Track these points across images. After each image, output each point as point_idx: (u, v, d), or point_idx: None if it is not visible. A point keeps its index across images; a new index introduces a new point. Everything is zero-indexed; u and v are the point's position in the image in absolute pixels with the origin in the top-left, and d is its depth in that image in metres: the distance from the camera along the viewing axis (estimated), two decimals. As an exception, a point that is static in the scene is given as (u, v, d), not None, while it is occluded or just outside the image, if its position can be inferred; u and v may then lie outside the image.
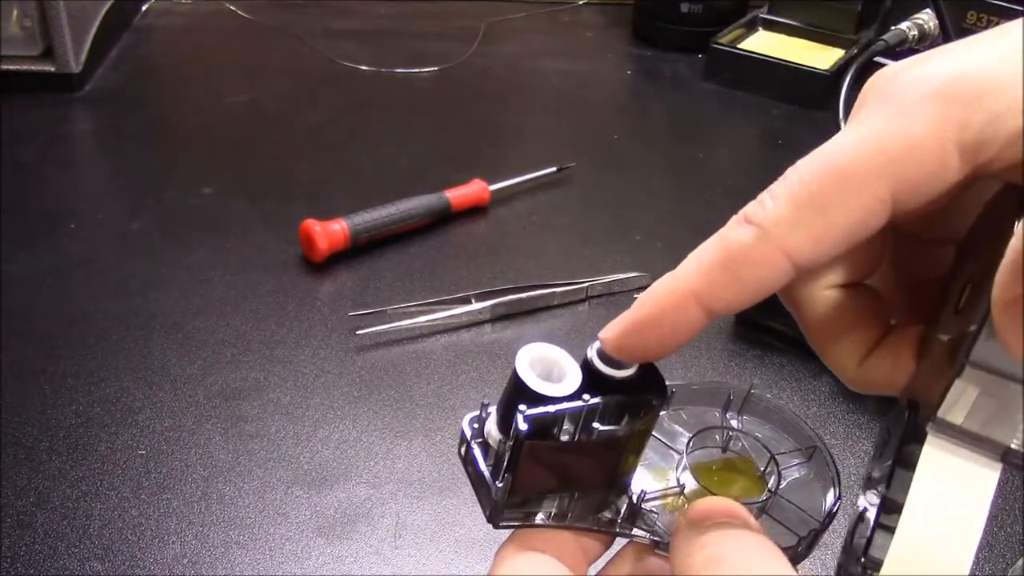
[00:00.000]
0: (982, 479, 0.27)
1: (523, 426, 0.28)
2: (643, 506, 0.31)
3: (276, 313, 0.75)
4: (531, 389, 0.28)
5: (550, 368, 0.29)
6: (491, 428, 0.30)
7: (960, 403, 0.26)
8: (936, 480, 0.27)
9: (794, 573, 0.28)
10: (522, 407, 0.28)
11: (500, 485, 0.29)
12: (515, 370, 0.29)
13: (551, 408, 0.28)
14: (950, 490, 0.27)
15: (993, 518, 0.59)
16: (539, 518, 0.30)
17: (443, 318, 0.74)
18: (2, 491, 0.59)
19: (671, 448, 0.34)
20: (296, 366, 0.70)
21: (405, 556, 0.56)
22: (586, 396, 0.29)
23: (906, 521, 0.28)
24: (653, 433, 0.33)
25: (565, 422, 0.29)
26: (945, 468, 0.27)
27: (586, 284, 0.77)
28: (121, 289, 0.77)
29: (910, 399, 0.29)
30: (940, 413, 0.27)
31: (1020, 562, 0.56)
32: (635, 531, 0.31)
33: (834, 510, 0.33)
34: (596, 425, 0.29)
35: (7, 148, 0.94)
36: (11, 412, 0.65)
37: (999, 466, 0.27)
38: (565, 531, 0.30)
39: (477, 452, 0.30)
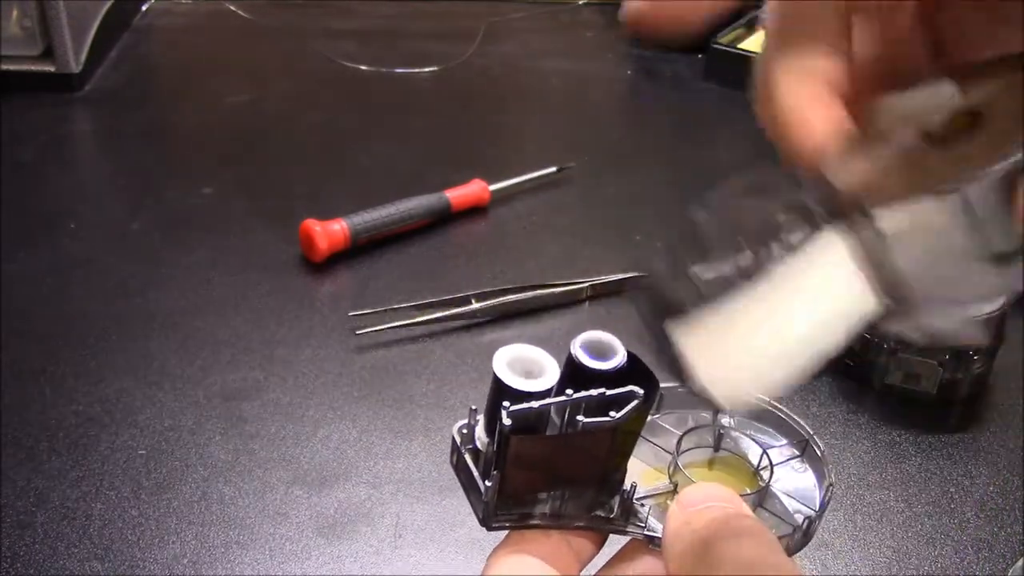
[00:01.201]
0: (860, 299, 0.26)
1: (507, 422, 0.28)
2: (636, 504, 0.31)
3: (276, 313, 0.75)
4: (512, 387, 0.29)
5: (530, 367, 0.30)
6: (480, 433, 0.30)
7: (903, 225, 0.25)
8: (822, 269, 0.26)
9: (783, 554, 0.28)
10: (505, 404, 0.28)
11: (489, 484, 0.29)
12: (494, 371, 0.29)
13: (534, 404, 0.29)
14: (829, 286, 0.26)
15: (993, 518, 0.59)
16: (532, 519, 0.30)
17: (443, 318, 0.74)
18: (2, 491, 0.59)
19: (663, 449, 0.34)
20: (296, 366, 0.70)
21: (405, 556, 0.56)
22: (569, 391, 0.29)
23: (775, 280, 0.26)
24: (643, 436, 0.33)
25: (551, 417, 0.29)
26: (836, 266, 0.26)
27: (586, 284, 0.77)
28: (121, 289, 0.77)
29: (820, 175, 0.27)
30: (877, 218, 0.25)
31: (1020, 562, 0.56)
32: (629, 528, 0.31)
33: (827, 499, 0.33)
34: (581, 418, 0.29)
35: (7, 148, 0.94)
36: (11, 412, 0.65)
37: (874, 302, 0.26)
38: (557, 535, 0.31)
39: (468, 458, 0.30)
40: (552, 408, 0.29)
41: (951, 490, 0.61)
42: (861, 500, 0.60)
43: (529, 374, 0.29)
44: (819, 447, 0.34)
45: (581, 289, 0.77)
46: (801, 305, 0.26)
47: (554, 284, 0.76)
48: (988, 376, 0.68)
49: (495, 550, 0.30)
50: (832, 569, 0.56)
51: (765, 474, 0.33)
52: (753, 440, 0.35)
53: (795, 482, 0.34)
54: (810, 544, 0.33)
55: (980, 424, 0.66)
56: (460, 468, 0.31)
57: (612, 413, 0.29)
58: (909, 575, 0.56)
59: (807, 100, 0.27)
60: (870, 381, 0.68)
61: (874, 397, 0.68)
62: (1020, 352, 0.70)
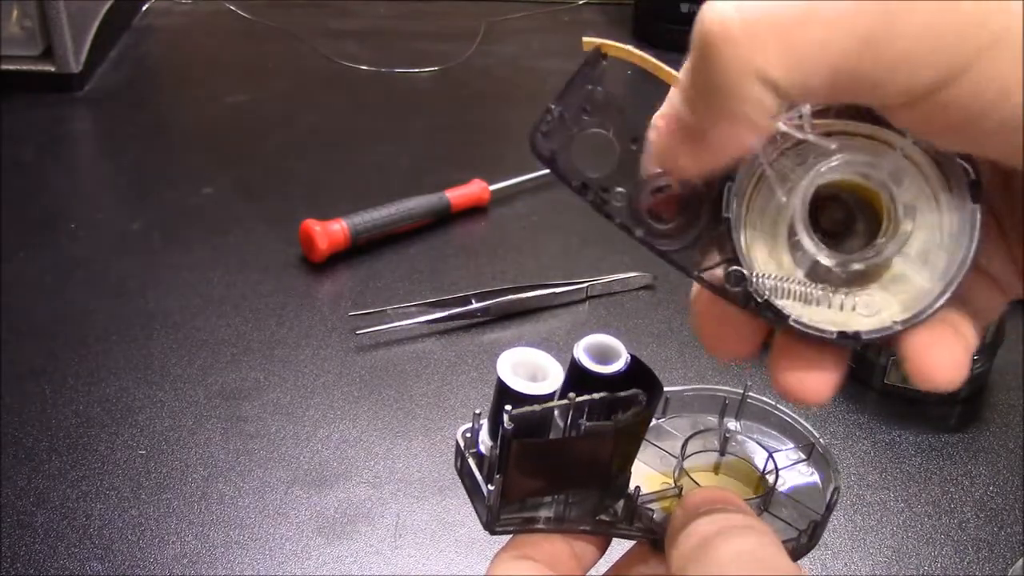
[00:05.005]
0: None
1: (509, 425, 0.28)
2: (641, 507, 0.31)
3: (276, 313, 0.75)
4: (515, 390, 0.29)
5: (534, 372, 0.30)
6: (484, 437, 0.30)
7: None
8: None
9: (786, 557, 0.28)
10: (507, 408, 0.28)
11: (492, 488, 0.29)
12: (498, 375, 0.29)
13: (536, 407, 0.29)
14: None
15: (993, 518, 0.59)
16: (535, 523, 0.30)
17: (443, 318, 0.74)
18: (2, 491, 0.59)
19: (668, 453, 0.34)
20: (296, 366, 0.70)
21: (405, 556, 0.56)
22: (572, 394, 0.29)
23: None
24: (649, 440, 0.33)
25: (555, 421, 0.29)
26: None
27: (586, 284, 0.77)
28: (121, 289, 0.77)
29: None
30: None
31: (1020, 562, 0.56)
32: (633, 531, 0.31)
33: (833, 502, 0.33)
34: (583, 422, 0.29)
35: (7, 148, 0.94)
36: (11, 412, 0.65)
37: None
38: (560, 538, 0.31)
39: (471, 462, 0.30)
40: (556, 412, 0.29)
41: (951, 490, 0.61)
42: (861, 500, 0.60)
43: (533, 377, 0.29)
44: (825, 451, 0.34)
45: (581, 289, 0.77)
46: None
47: (554, 284, 0.76)
48: (988, 376, 0.68)
49: (498, 553, 0.30)
50: (832, 569, 0.56)
51: (770, 478, 0.33)
52: (759, 444, 0.35)
53: (802, 486, 0.34)
54: (814, 548, 0.33)
55: (980, 424, 0.66)
56: (464, 472, 0.31)
57: (614, 416, 0.29)
58: (909, 575, 0.56)
59: None
60: (870, 381, 0.68)
61: (874, 397, 0.68)
62: (1020, 352, 0.70)
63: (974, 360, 0.65)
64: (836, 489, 0.33)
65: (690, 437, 0.34)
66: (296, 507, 0.59)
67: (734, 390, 0.35)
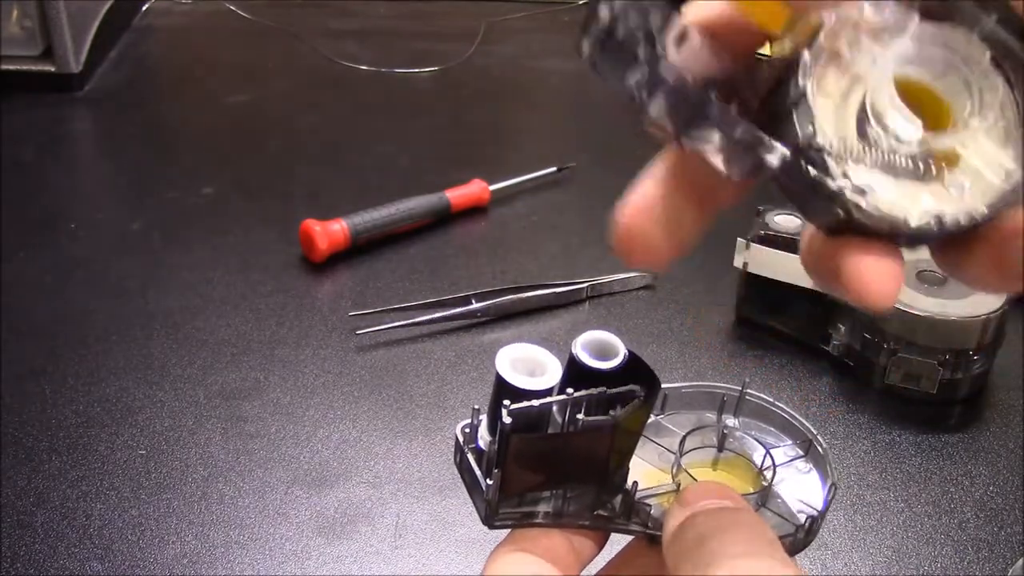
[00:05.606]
0: None
1: (507, 420, 0.28)
2: (639, 503, 0.31)
3: (276, 313, 0.75)
4: (513, 386, 0.29)
5: (532, 367, 0.30)
6: (483, 432, 0.31)
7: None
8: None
9: (781, 550, 0.28)
10: (506, 403, 0.28)
11: (490, 483, 0.29)
12: (496, 370, 0.29)
13: (534, 402, 0.29)
14: None
15: (993, 518, 0.59)
16: (534, 518, 0.30)
17: (443, 318, 0.74)
18: (2, 491, 0.59)
19: (666, 449, 0.34)
20: (296, 366, 0.70)
21: (405, 556, 0.56)
22: (570, 390, 0.29)
23: None
24: (648, 436, 0.34)
25: (553, 416, 0.29)
26: None
27: (586, 284, 0.77)
28: (121, 289, 0.77)
29: None
30: None
31: (1020, 562, 0.56)
32: (631, 526, 0.32)
33: (830, 499, 0.33)
34: (581, 417, 0.29)
35: (7, 148, 0.94)
36: (11, 412, 0.65)
37: None
38: (558, 533, 0.31)
39: (471, 458, 0.30)
40: (554, 407, 0.29)
41: (951, 490, 0.61)
42: (861, 500, 0.60)
43: (532, 373, 0.30)
44: (822, 447, 0.34)
45: (581, 289, 0.77)
46: None
47: (554, 284, 0.76)
48: (988, 376, 0.68)
49: (496, 548, 0.31)
50: (832, 569, 0.56)
51: (768, 474, 0.33)
52: (757, 440, 0.35)
53: (798, 482, 0.34)
54: (810, 543, 0.33)
55: (980, 424, 0.66)
56: (463, 468, 0.31)
57: (612, 412, 0.29)
58: (909, 575, 0.56)
59: None
60: (870, 381, 0.68)
61: (874, 397, 0.68)
62: (1020, 352, 0.70)
63: (974, 360, 0.65)
64: (833, 485, 0.33)
65: (688, 433, 0.34)
66: (296, 507, 0.59)
67: (732, 387, 0.36)
